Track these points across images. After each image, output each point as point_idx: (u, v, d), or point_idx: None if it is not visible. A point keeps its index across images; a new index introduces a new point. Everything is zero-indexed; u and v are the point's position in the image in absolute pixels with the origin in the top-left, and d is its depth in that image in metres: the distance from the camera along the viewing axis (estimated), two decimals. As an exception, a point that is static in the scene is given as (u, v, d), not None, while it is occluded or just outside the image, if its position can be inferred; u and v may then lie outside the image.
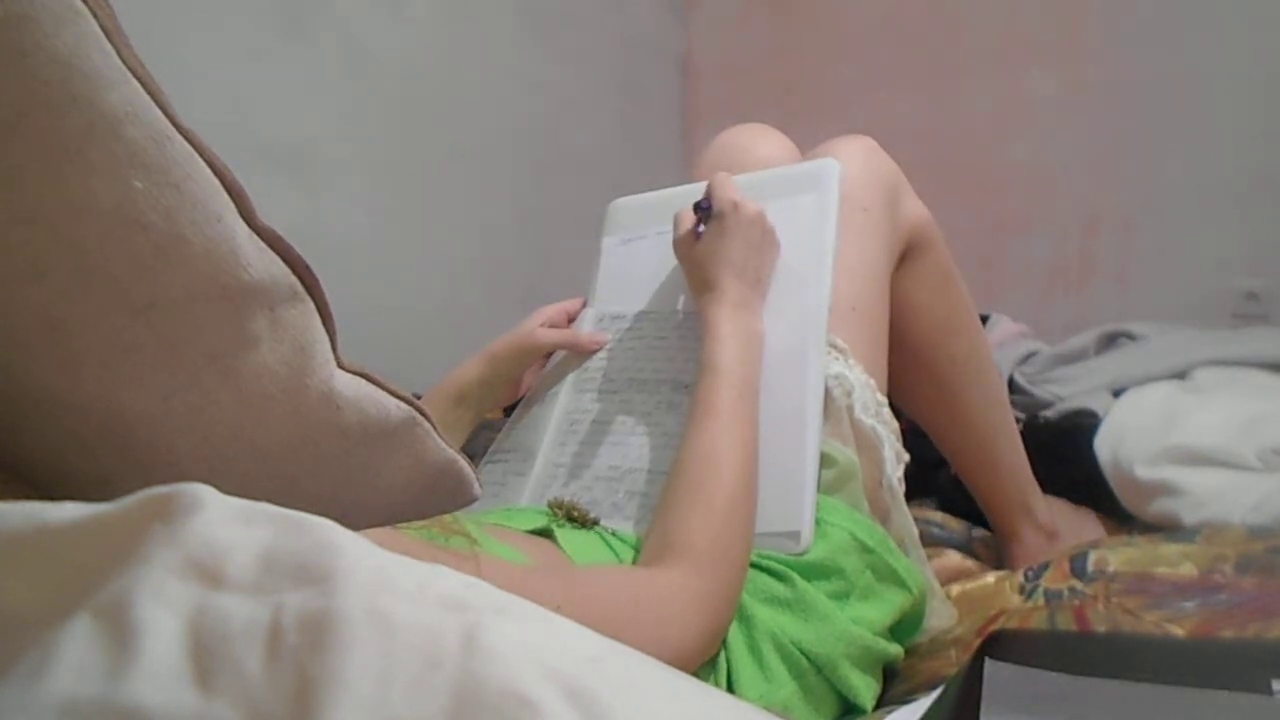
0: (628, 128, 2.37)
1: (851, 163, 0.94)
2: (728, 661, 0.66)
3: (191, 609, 0.29)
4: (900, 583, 0.78)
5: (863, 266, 0.91)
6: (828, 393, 0.83)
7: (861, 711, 0.71)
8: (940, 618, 0.85)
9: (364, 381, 0.53)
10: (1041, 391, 1.38)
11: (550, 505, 0.77)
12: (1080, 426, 1.24)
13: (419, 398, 0.63)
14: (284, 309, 0.48)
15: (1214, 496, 1.05)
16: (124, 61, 0.41)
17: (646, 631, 0.57)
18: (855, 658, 0.71)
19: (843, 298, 0.88)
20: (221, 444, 0.48)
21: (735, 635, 0.68)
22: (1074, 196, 2.02)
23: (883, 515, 0.84)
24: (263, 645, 0.28)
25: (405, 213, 1.83)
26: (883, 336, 0.93)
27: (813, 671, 0.69)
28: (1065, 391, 1.36)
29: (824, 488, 0.79)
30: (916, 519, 0.88)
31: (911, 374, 1.02)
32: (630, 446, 0.86)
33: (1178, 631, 0.72)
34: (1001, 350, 1.48)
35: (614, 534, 0.75)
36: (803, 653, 0.68)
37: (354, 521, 0.38)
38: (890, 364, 0.94)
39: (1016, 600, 0.88)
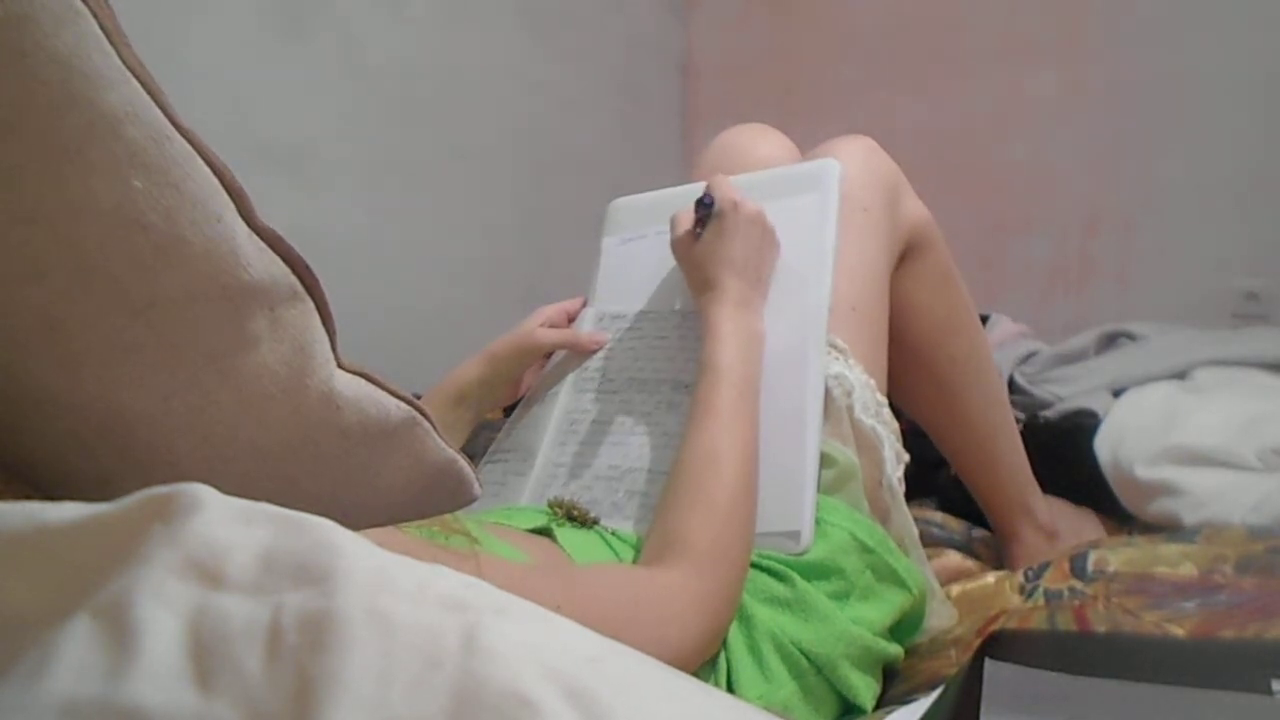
0: (628, 128, 2.37)
1: (851, 163, 0.94)
2: (728, 661, 0.66)
3: (191, 609, 0.29)
4: (900, 583, 0.78)
5: (863, 266, 0.91)
6: (828, 393, 0.83)
7: (861, 711, 0.71)
8: (940, 618, 0.85)
9: (364, 381, 0.53)
10: (1041, 391, 1.38)
11: (550, 505, 0.77)
12: (1080, 426, 1.24)
13: (419, 398, 0.63)
14: (284, 309, 0.48)
15: (1214, 496, 1.05)
16: (124, 61, 0.41)
17: (646, 631, 0.57)
18: (855, 658, 0.71)
19: (843, 298, 0.88)
20: (221, 444, 0.48)
21: (735, 635, 0.68)
22: (1074, 196, 2.02)
23: (883, 515, 0.84)
24: (263, 645, 0.28)
25: (405, 213, 1.83)
26: (883, 336, 0.93)
27: (813, 671, 0.69)
28: (1065, 391, 1.36)
29: (824, 488, 0.79)
30: (916, 519, 0.88)
31: (911, 374, 1.02)
32: (630, 446, 0.86)
33: (1178, 631, 0.72)
34: (1001, 350, 1.48)
35: (614, 533, 0.75)
36: (803, 653, 0.68)
37: (354, 521, 0.38)
38: (890, 364, 0.94)
39: (1016, 600, 0.88)
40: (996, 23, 2.08)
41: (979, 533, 1.17)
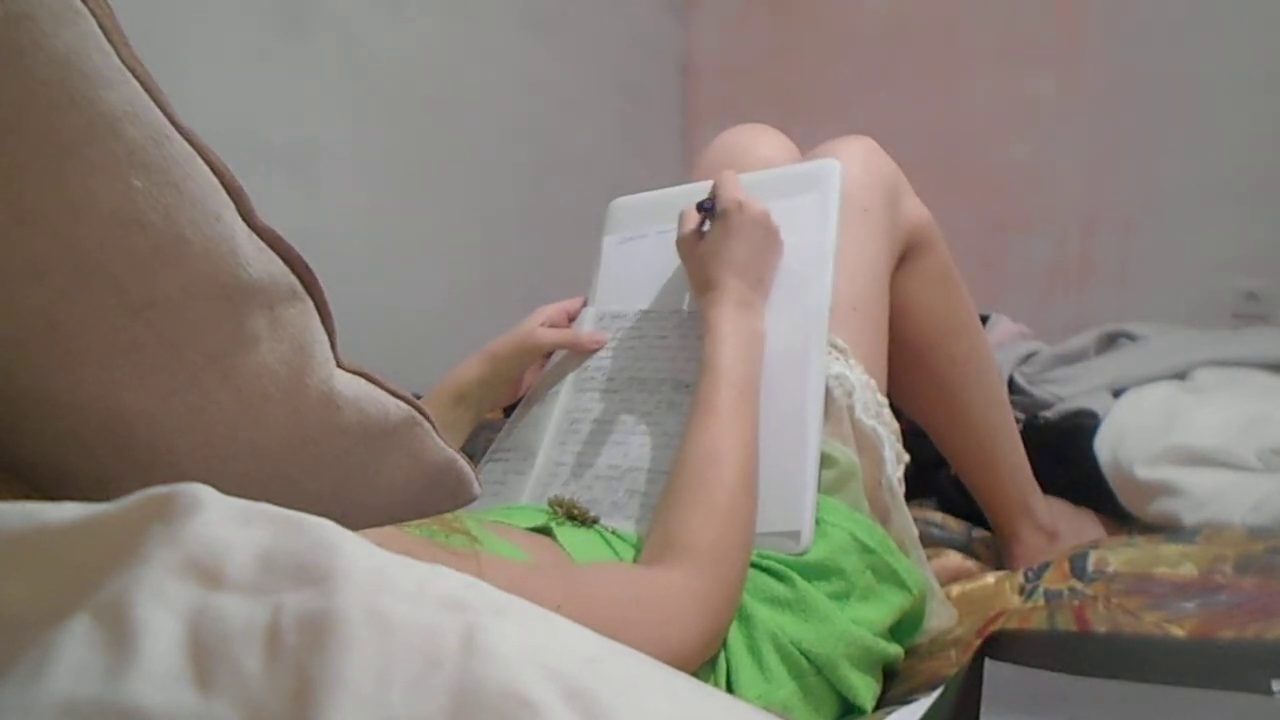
0: (628, 128, 2.37)
1: (852, 163, 0.94)
2: (727, 661, 0.66)
3: (191, 609, 0.29)
4: (900, 583, 0.78)
5: (863, 266, 0.91)
6: (828, 393, 0.83)
7: (861, 712, 0.71)
8: (940, 618, 0.85)
9: (363, 381, 0.53)
10: (1041, 391, 1.38)
11: (550, 504, 0.77)
12: (1080, 427, 1.24)
13: (419, 398, 0.63)
14: (283, 308, 0.48)
15: (1214, 497, 1.05)
16: (123, 61, 0.41)
17: (647, 631, 0.57)
18: (855, 658, 0.71)
19: (843, 298, 0.88)
20: (221, 444, 0.48)
21: (735, 635, 0.68)
22: (1074, 196, 2.02)
23: (883, 515, 0.84)
24: (262, 645, 0.28)
25: (405, 213, 1.83)
26: (883, 337, 0.93)
27: (812, 672, 0.69)
28: (1065, 392, 1.36)
29: (824, 488, 0.79)
30: (916, 519, 0.88)
31: (912, 374, 1.02)
32: (631, 446, 0.86)
33: (1178, 632, 0.72)
34: (1001, 350, 1.48)
35: (614, 533, 0.75)
36: (802, 653, 0.68)
37: (354, 521, 0.38)
38: (890, 364, 0.94)
39: (1016, 600, 0.88)
40: (996, 23, 2.08)
41: (979, 533, 1.18)
